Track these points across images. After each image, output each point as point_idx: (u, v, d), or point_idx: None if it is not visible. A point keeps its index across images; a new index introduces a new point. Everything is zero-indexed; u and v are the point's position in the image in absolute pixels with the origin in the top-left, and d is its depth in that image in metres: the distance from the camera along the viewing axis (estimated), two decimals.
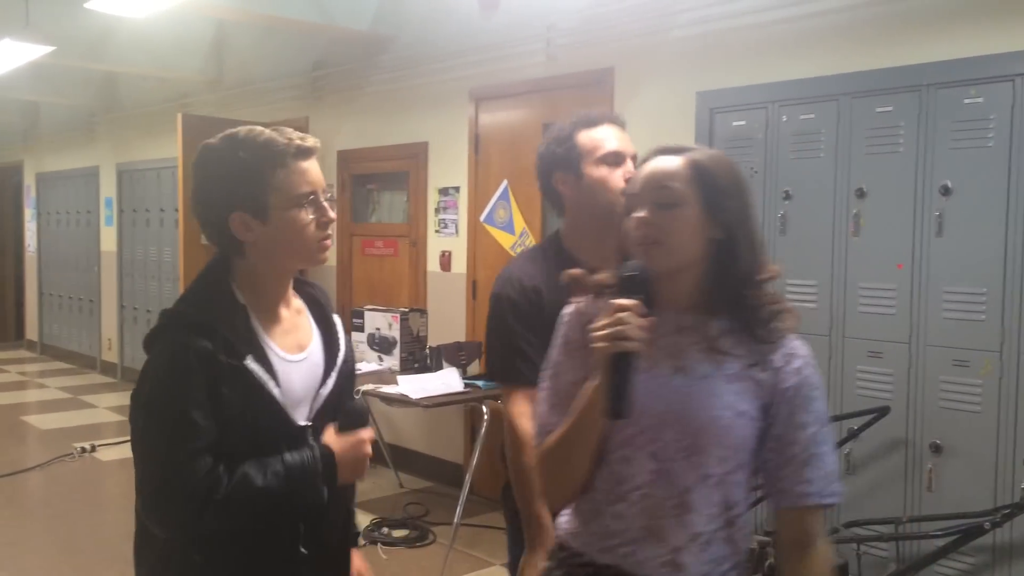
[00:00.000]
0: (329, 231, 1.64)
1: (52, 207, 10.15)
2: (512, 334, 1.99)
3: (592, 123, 2.06)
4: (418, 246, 5.64)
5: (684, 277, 1.46)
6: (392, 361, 5.10)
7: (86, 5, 4.94)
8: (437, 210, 5.51)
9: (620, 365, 1.34)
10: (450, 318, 5.32)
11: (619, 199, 1.83)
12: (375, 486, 5.40)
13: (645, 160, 1.52)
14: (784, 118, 3.70)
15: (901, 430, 3.39)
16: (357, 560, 1.84)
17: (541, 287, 1.98)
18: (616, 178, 1.99)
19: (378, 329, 5.27)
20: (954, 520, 3.07)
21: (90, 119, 9.09)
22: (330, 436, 1.62)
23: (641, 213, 1.44)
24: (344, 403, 1.69)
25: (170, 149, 6.80)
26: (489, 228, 5.13)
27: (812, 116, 3.60)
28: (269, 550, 1.57)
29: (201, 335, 1.49)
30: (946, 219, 3.27)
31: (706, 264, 1.45)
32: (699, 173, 1.45)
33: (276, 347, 1.60)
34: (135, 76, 7.87)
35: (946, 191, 3.26)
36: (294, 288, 1.72)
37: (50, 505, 5.16)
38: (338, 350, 1.73)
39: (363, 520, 4.66)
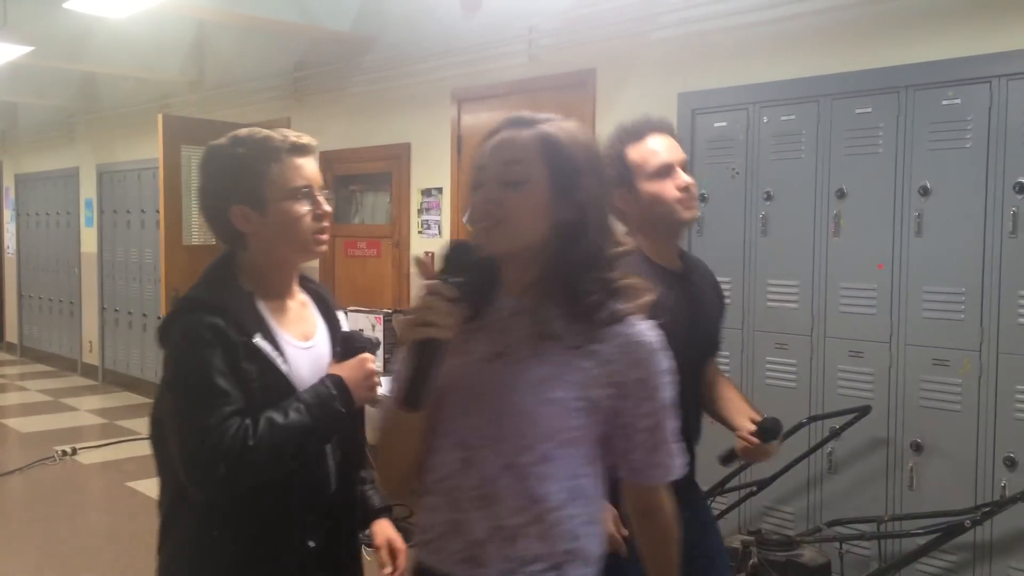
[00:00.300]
0: (325, 224, 1.69)
1: (31, 208, 10.06)
2: None
3: (638, 135, 2.08)
4: (401, 247, 5.63)
5: (526, 258, 1.39)
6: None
7: (65, 5, 4.90)
8: (420, 211, 5.50)
9: (424, 352, 1.30)
10: None
11: (675, 208, 2.00)
12: None
13: (495, 131, 1.42)
14: (765, 119, 3.72)
15: (882, 429, 3.41)
16: (389, 530, 1.99)
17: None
18: (669, 189, 2.04)
19: (361, 330, 5.26)
20: (935, 518, 3.10)
21: (70, 120, 9.02)
22: (333, 366, 1.71)
23: (485, 191, 1.38)
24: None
25: (151, 150, 6.75)
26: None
27: (793, 117, 3.62)
28: (277, 539, 1.63)
29: (212, 313, 1.58)
30: (925, 219, 3.30)
31: (552, 245, 1.37)
32: (550, 149, 1.36)
33: (283, 332, 1.68)
34: (115, 76, 7.81)
35: (925, 192, 3.29)
36: (300, 284, 1.79)
37: (31, 509, 5.11)
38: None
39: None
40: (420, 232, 5.51)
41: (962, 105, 3.20)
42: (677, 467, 1.46)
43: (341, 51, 5.87)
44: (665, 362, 1.41)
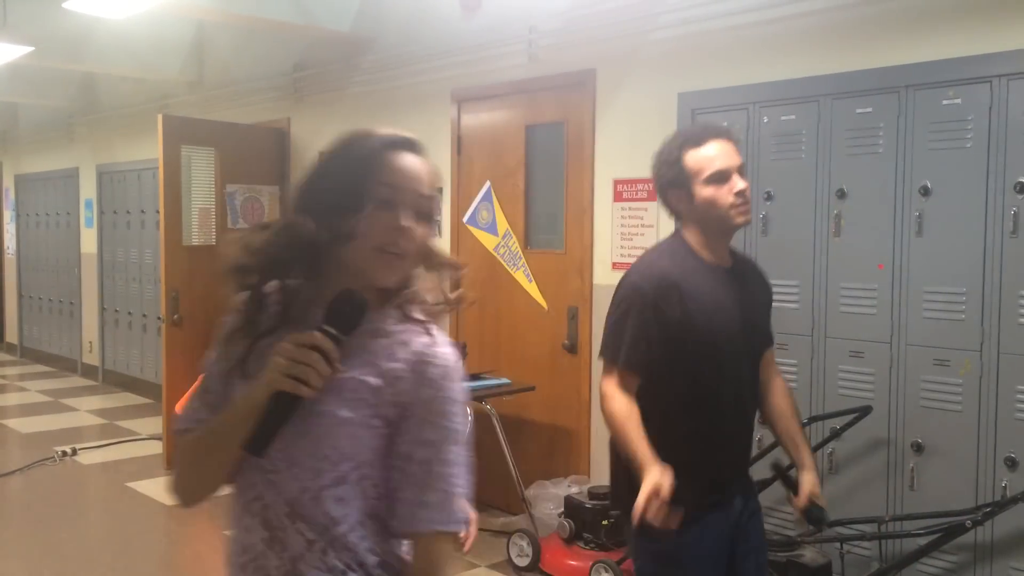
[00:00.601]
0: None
1: (31, 209, 10.06)
2: (636, 323, 2.17)
3: (698, 141, 2.20)
4: None
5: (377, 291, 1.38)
6: None
7: (64, 5, 4.90)
8: None
9: (281, 402, 1.26)
10: None
11: (729, 213, 2.17)
12: None
13: (392, 144, 1.38)
14: (765, 119, 3.71)
15: (883, 430, 3.41)
16: None
17: (679, 283, 2.16)
18: (724, 195, 2.17)
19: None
20: (936, 519, 3.10)
21: (69, 120, 9.01)
22: None
23: (406, 222, 1.33)
24: None
25: (151, 150, 6.74)
26: (472, 229, 5.12)
27: (793, 117, 3.62)
28: None
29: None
30: (926, 219, 3.29)
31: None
32: (437, 193, 1.40)
33: None
34: (115, 77, 7.81)
35: (926, 191, 3.28)
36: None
37: (31, 509, 5.11)
38: None
39: None
40: None
41: (962, 105, 3.20)
42: (455, 517, 1.33)
43: (341, 51, 5.87)
44: (461, 389, 1.35)
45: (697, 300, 2.15)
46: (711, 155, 2.17)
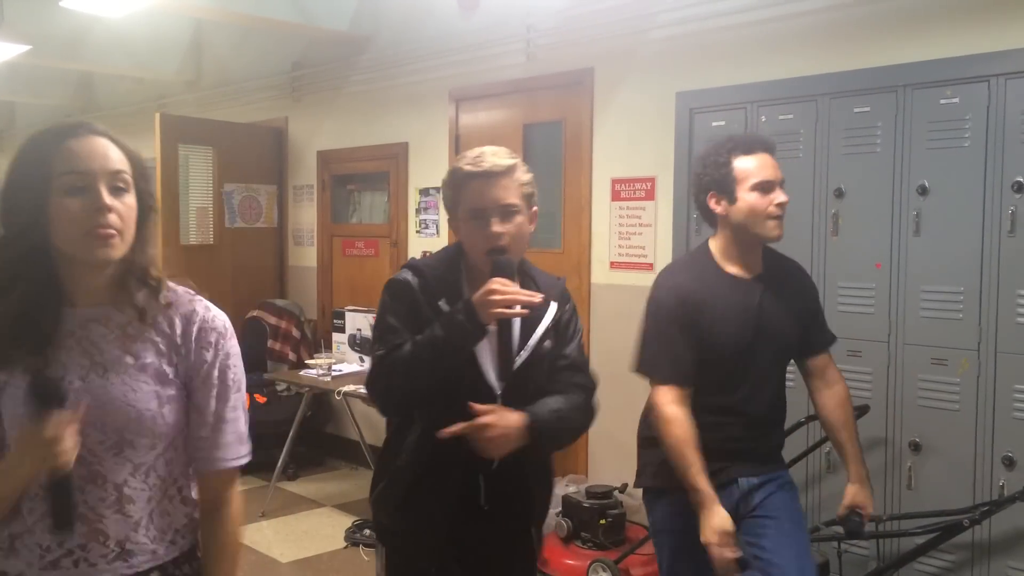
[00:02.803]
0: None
1: None
2: (667, 337, 2.31)
3: (748, 150, 2.30)
4: (399, 246, 5.62)
5: (106, 269, 1.44)
6: None
7: (62, 3, 4.89)
8: (418, 210, 5.50)
9: (62, 481, 1.33)
10: None
11: (767, 223, 2.26)
12: (356, 487, 5.38)
13: (63, 134, 1.43)
14: (763, 118, 3.71)
15: (881, 429, 3.41)
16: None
17: (704, 299, 2.29)
18: (765, 204, 2.27)
19: (359, 330, 5.25)
20: (933, 518, 3.09)
21: (66, 119, 8.99)
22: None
23: (104, 200, 1.38)
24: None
25: (148, 149, 6.73)
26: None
27: (791, 116, 3.62)
28: (453, 493, 1.95)
29: (414, 274, 1.97)
30: (923, 218, 3.29)
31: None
32: (136, 160, 1.46)
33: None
34: (112, 76, 7.80)
35: (923, 191, 3.28)
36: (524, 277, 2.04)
37: None
38: (536, 328, 1.97)
39: (344, 522, 4.65)
40: (418, 232, 5.50)
41: (960, 104, 3.20)
42: (240, 452, 1.56)
43: (338, 50, 5.86)
44: (234, 344, 1.54)
45: (712, 314, 2.28)
46: (760, 164, 2.27)
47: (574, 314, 2.10)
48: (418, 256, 5.46)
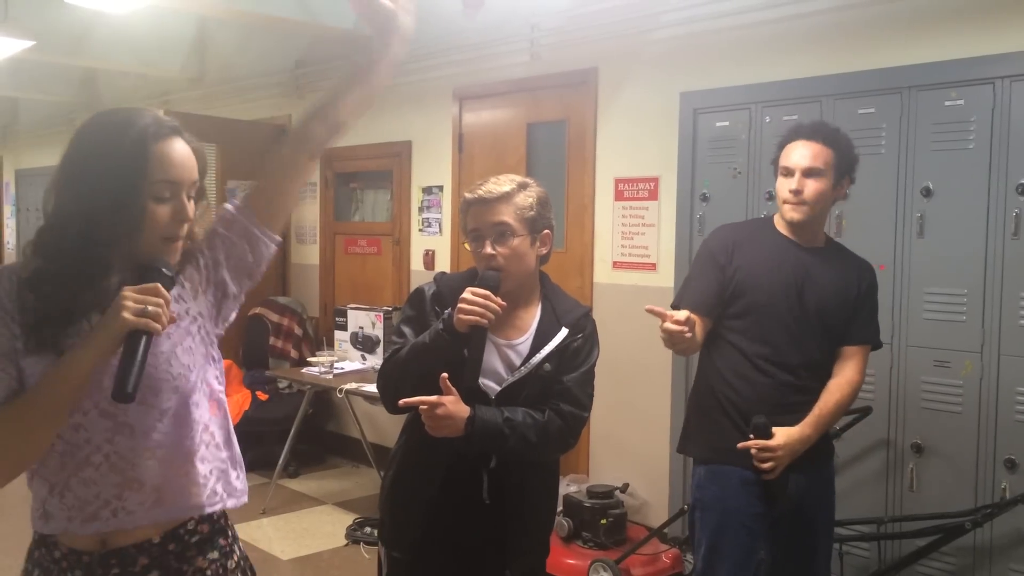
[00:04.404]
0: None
1: (32, 204, 10.03)
2: (697, 272, 2.54)
3: (795, 135, 2.46)
4: (401, 245, 5.62)
5: None
6: (375, 360, 5.08)
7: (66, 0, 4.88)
8: (421, 209, 5.50)
9: (133, 342, 1.32)
10: None
11: (783, 206, 2.44)
12: (357, 485, 5.38)
13: (163, 133, 1.48)
14: (767, 119, 3.71)
15: (883, 430, 3.40)
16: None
17: (742, 242, 2.48)
18: (782, 188, 2.44)
19: (361, 328, 5.25)
20: (935, 520, 3.09)
21: (70, 116, 8.99)
22: None
23: (189, 212, 1.47)
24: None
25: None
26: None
27: (795, 117, 3.58)
28: (457, 491, 2.04)
29: (432, 283, 2.15)
30: (927, 220, 3.29)
31: None
32: (203, 160, 1.54)
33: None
34: (116, 72, 7.79)
35: (927, 192, 3.28)
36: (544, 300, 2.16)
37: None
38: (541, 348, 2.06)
39: (346, 519, 4.65)
40: (421, 230, 5.50)
41: (965, 106, 3.19)
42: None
43: (342, 48, 5.85)
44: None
45: (747, 256, 2.44)
46: (789, 151, 2.43)
47: (587, 344, 2.14)
48: (421, 254, 5.47)
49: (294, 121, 6.36)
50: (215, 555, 1.53)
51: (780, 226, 2.50)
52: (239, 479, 1.58)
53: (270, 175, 1.61)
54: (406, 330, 2.11)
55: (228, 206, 1.58)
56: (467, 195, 2.12)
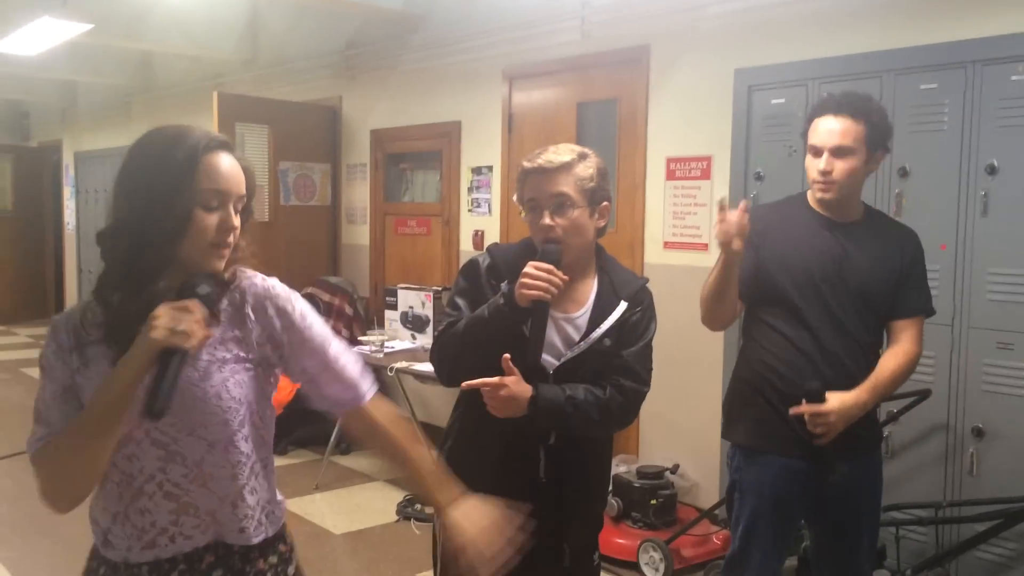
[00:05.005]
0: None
1: (90, 185, 10.27)
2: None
3: (822, 111, 2.35)
4: (451, 225, 5.64)
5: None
6: (425, 339, 5.11)
7: None
8: (470, 189, 5.50)
9: (167, 359, 1.33)
10: None
11: (813, 185, 2.34)
12: None
13: (213, 146, 1.48)
14: (825, 96, 3.62)
15: (942, 414, 3.33)
16: None
17: (773, 223, 2.41)
18: (811, 168, 2.34)
19: (411, 307, 5.29)
20: (996, 505, 3.03)
21: (127, 98, 9.17)
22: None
23: (235, 222, 1.49)
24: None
25: (206, 128, 6.85)
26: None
27: None
28: (514, 466, 2.03)
29: (486, 256, 2.12)
30: (992, 199, 3.20)
31: None
32: (252, 181, 1.56)
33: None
34: (171, 55, 7.92)
35: (992, 170, 3.19)
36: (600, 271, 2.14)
37: None
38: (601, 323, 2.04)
39: (396, 496, 4.70)
40: (470, 211, 5.50)
41: None
42: (367, 386, 1.62)
43: (392, 29, 5.87)
44: (295, 297, 1.57)
45: (783, 245, 2.36)
46: (818, 128, 2.32)
47: (645, 317, 2.12)
48: (471, 234, 5.48)
49: (344, 104, 6.40)
50: (275, 560, 1.58)
51: (813, 202, 2.41)
52: (280, 502, 1.63)
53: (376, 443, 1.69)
54: (460, 302, 2.08)
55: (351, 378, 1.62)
56: (526, 164, 2.08)
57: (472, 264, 2.13)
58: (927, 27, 3.38)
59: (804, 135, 2.38)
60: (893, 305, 2.38)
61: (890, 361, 2.35)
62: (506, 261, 2.07)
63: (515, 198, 2.18)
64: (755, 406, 2.41)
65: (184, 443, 1.45)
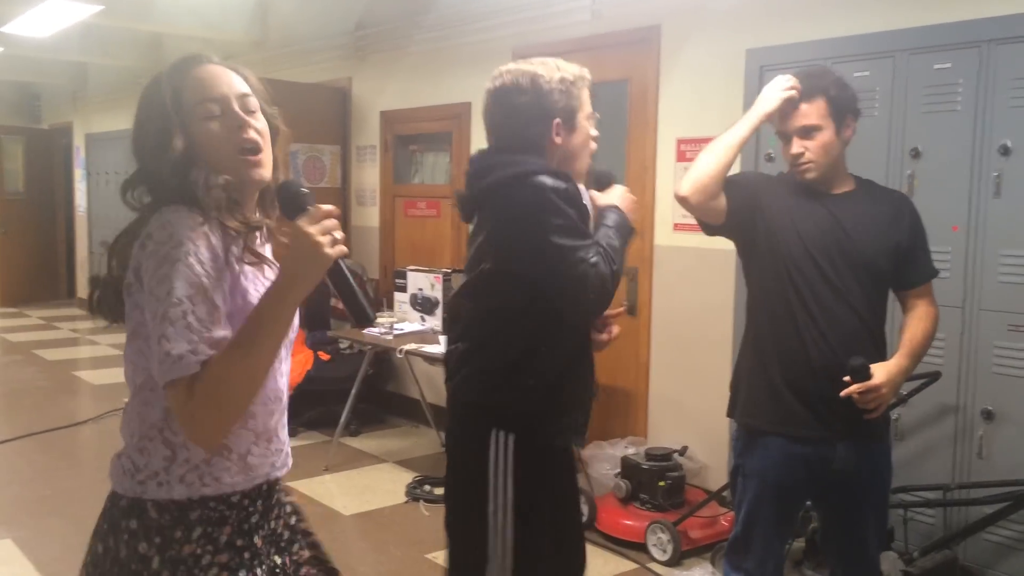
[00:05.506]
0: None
1: (101, 167, 10.31)
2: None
3: (801, 98, 2.35)
4: None
5: (255, 195, 1.54)
6: (434, 321, 5.12)
7: None
8: None
9: (340, 270, 1.36)
10: None
11: (793, 172, 2.38)
12: (416, 444, 5.46)
13: (187, 64, 1.49)
14: None
15: (952, 396, 3.32)
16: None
17: (762, 191, 2.41)
18: (784, 154, 2.41)
19: (420, 290, 5.29)
20: (1005, 487, 3.02)
21: (137, 80, 9.17)
22: (602, 197, 2.23)
23: (242, 117, 1.46)
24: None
25: None
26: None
27: (867, 73, 3.49)
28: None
29: (564, 180, 2.04)
30: (1004, 180, 3.17)
31: None
32: (256, 85, 1.56)
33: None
34: (181, 37, 7.90)
35: (1005, 151, 3.16)
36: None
37: (102, 457, 5.27)
38: None
39: (406, 477, 4.73)
40: None
41: None
42: (167, 370, 1.33)
43: (402, 9, 5.85)
44: (156, 251, 1.34)
45: (767, 213, 2.35)
46: (783, 115, 2.36)
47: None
48: None
49: (354, 85, 6.39)
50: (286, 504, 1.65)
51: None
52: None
53: None
54: (581, 236, 2.03)
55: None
56: (587, 75, 2.20)
57: (560, 192, 2.00)
58: (941, 6, 3.35)
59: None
60: (904, 274, 2.37)
61: (919, 324, 2.35)
62: (574, 184, 2.09)
63: (557, 106, 2.15)
64: (759, 389, 2.39)
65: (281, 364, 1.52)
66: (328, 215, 1.33)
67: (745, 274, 2.45)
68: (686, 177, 2.36)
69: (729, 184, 2.37)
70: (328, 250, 1.30)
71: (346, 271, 1.37)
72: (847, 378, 2.21)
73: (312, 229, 1.31)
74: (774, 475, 2.36)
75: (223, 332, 1.35)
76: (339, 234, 1.33)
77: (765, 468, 2.37)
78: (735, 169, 2.48)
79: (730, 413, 2.53)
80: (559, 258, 1.99)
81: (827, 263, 2.29)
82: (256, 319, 1.34)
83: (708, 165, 2.34)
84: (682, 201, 2.36)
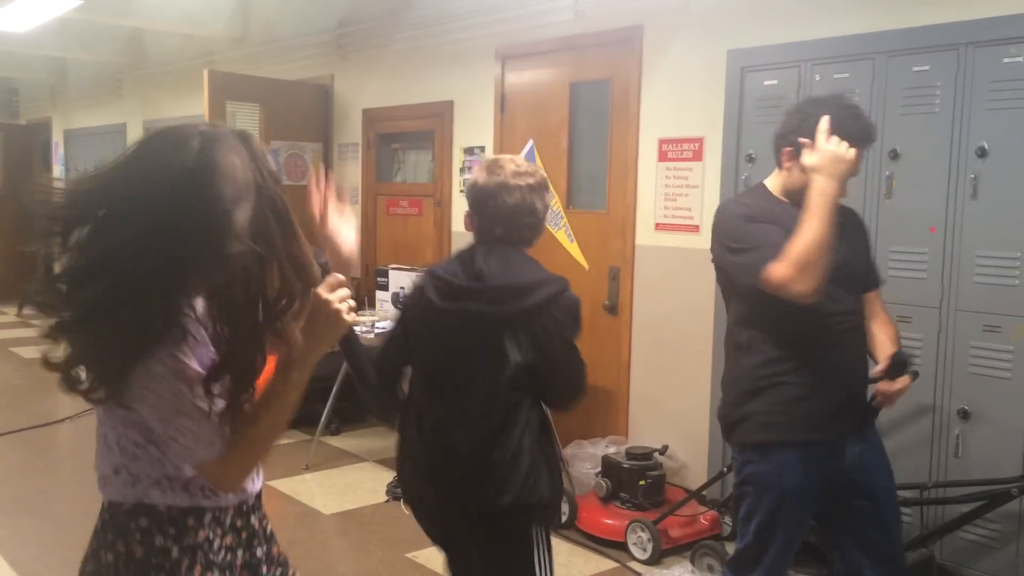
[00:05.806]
0: None
1: (80, 164, 10.21)
2: (746, 233, 2.34)
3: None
4: (443, 206, 5.62)
5: None
6: None
7: None
8: (462, 170, 5.48)
9: (354, 339, 1.48)
10: None
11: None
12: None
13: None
14: (817, 77, 3.62)
15: (929, 395, 3.35)
16: None
17: (764, 217, 2.35)
18: None
19: (402, 288, 5.28)
20: (980, 486, 3.05)
21: (117, 76, 9.10)
22: None
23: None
24: None
25: (196, 106, 6.78)
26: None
27: (846, 75, 3.52)
28: None
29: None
30: (981, 182, 3.20)
31: None
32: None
33: None
34: (162, 32, 7.86)
35: (982, 153, 3.19)
36: None
37: (80, 455, 5.25)
38: None
39: (386, 476, 4.72)
40: (462, 191, 5.49)
41: None
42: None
43: (385, 7, 5.83)
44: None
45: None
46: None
47: None
48: (463, 215, 5.46)
49: (336, 83, 6.36)
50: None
51: (776, 191, 2.41)
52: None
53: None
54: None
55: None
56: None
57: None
58: (920, 9, 3.38)
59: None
60: (870, 279, 2.49)
61: (889, 328, 2.47)
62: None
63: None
64: (769, 400, 2.34)
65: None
66: (341, 284, 1.43)
67: (749, 295, 2.35)
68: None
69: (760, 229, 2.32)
70: (347, 316, 1.42)
71: (358, 338, 1.45)
72: (879, 369, 2.34)
73: (331, 296, 1.41)
74: (793, 481, 2.33)
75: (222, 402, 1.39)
76: (352, 302, 1.43)
77: (783, 474, 2.34)
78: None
79: (730, 436, 2.49)
80: None
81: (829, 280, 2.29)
82: (281, 383, 1.43)
83: (814, 271, 2.18)
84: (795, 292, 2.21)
